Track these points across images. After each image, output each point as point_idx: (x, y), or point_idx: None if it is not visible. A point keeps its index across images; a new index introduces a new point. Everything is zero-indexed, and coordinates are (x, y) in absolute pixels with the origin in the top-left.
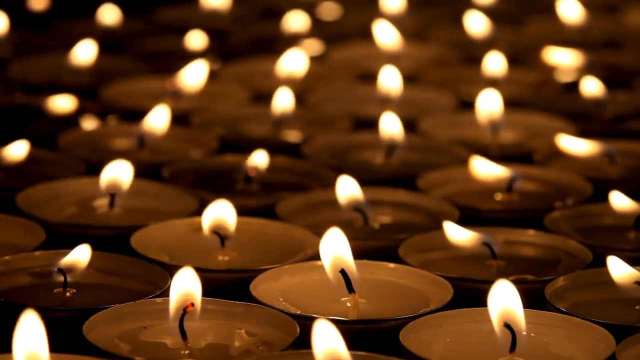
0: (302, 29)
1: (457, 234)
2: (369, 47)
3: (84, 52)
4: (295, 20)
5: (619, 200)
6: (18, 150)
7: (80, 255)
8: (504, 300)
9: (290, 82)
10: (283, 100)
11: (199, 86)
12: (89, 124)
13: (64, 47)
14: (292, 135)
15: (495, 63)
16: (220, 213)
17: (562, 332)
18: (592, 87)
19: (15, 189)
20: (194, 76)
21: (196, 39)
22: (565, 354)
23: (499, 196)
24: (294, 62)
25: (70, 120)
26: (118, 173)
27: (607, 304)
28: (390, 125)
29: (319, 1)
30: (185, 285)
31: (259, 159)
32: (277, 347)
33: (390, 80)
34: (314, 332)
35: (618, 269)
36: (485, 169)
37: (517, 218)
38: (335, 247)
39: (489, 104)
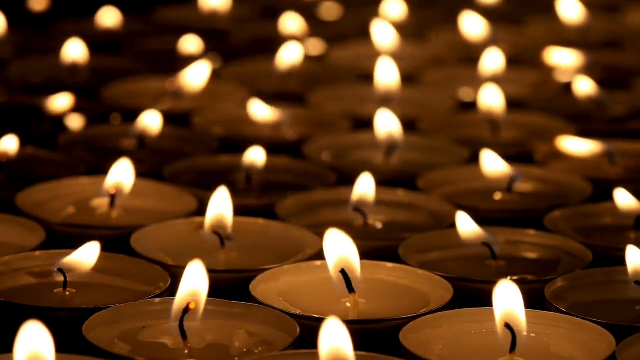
0: (302, 29)
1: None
2: (369, 47)
3: (83, 52)
4: (295, 20)
5: (623, 198)
6: (9, 145)
7: (87, 255)
8: (508, 300)
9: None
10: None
11: (200, 86)
12: (89, 124)
13: (64, 47)
14: (291, 135)
15: (493, 61)
16: (220, 210)
17: (562, 332)
18: (585, 86)
19: (15, 189)
20: (196, 76)
21: (195, 39)
22: (565, 354)
23: (499, 196)
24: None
25: (70, 120)
26: (122, 174)
27: (607, 304)
28: (388, 124)
29: (319, 1)
30: (194, 282)
31: (257, 156)
32: (277, 347)
33: (388, 78)
34: (322, 330)
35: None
36: (493, 165)
37: (517, 218)
38: (340, 248)
39: (491, 101)
